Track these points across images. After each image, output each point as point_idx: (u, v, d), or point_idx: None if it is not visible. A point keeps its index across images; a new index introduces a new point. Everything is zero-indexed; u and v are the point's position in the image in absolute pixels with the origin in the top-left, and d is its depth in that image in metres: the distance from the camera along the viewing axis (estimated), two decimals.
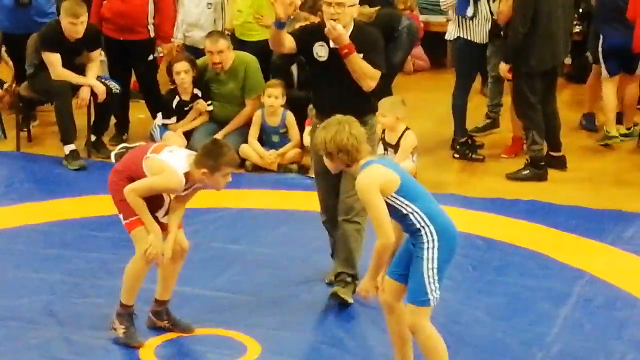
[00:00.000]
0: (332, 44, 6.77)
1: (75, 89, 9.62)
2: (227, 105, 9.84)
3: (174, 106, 9.77)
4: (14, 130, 10.09)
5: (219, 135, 9.24)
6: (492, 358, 6.23)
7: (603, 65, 10.09)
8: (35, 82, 9.85)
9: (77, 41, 9.58)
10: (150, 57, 10.17)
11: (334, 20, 6.66)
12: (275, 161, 9.49)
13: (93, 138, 9.90)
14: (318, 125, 6.18)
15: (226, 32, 10.11)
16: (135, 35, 10.05)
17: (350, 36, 6.74)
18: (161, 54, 10.26)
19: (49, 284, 7.08)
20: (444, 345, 5.50)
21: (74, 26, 9.47)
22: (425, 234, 5.37)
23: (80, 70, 9.69)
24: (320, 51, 6.87)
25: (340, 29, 6.64)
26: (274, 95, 9.48)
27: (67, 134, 9.58)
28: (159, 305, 6.35)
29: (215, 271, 7.27)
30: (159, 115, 9.86)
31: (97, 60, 9.84)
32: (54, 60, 9.59)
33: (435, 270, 5.36)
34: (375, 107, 7.28)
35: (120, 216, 6.13)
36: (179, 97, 9.75)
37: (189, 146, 9.27)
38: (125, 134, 10.26)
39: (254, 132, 9.60)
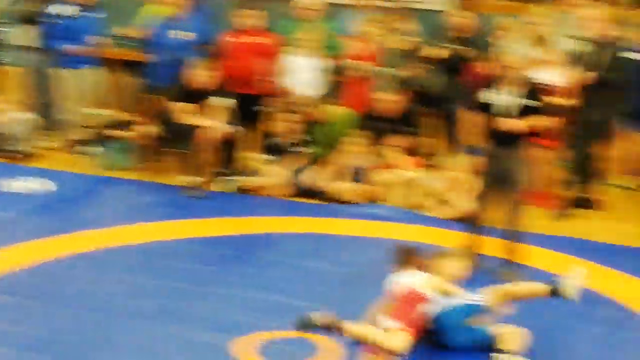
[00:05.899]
0: None
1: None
2: (322, 148, 9.91)
3: (277, 146, 9.85)
4: (149, 162, 10.22)
5: None
6: None
7: None
8: (168, 125, 10.00)
9: (203, 92, 9.70)
10: (255, 108, 10.19)
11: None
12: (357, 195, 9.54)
13: (213, 171, 9.98)
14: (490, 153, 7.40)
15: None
16: (245, 89, 10.12)
17: None
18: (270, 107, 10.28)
19: (166, 289, 7.16)
20: None
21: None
22: None
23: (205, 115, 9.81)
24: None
25: (509, 123, 7.23)
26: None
27: (192, 168, 9.68)
28: None
29: (303, 285, 7.26)
30: (264, 155, 9.94)
31: (219, 108, 9.95)
32: (184, 107, 9.71)
33: None
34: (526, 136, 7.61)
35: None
36: (282, 139, 9.83)
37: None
38: (238, 169, 10.32)
39: None
